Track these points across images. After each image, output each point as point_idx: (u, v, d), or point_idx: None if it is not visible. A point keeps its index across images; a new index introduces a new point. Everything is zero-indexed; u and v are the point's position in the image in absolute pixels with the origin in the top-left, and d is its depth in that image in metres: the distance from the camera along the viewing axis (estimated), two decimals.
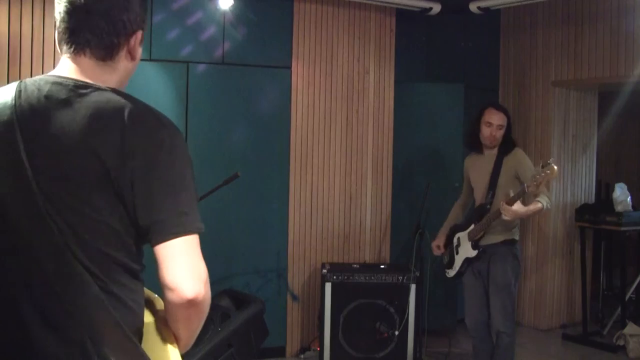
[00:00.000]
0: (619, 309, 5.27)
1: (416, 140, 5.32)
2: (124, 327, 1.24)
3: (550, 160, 3.43)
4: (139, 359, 1.25)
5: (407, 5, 5.05)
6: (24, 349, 1.24)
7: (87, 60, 1.34)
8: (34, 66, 3.99)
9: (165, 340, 1.35)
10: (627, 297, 5.32)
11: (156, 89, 4.40)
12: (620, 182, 5.38)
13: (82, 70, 1.33)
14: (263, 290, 4.71)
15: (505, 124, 3.90)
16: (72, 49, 1.33)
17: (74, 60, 1.34)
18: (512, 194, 3.62)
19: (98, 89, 1.30)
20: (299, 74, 4.83)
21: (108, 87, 1.32)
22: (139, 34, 1.40)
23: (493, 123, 3.88)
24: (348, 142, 5.01)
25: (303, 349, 4.86)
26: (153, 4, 4.36)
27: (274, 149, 4.76)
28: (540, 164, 3.46)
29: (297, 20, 4.82)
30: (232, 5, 4.49)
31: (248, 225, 4.67)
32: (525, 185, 3.55)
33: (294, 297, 4.87)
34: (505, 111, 3.95)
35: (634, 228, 5.17)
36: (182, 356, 1.37)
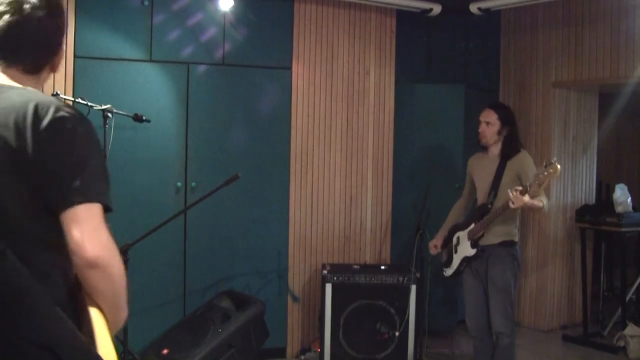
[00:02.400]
0: (620, 310, 5.26)
1: (416, 141, 5.32)
2: (44, 295, 1.33)
3: (554, 160, 3.42)
4: (59, 323, 1.33)
5: (408, 6, 5.05)
6: None
7: (16, 72, 1.52)
8: None
9: (95, 316, 1.45)
10: (627, 298, 5.31)
11: (157, 89, 4.40)
12: (620, 183, 5.38)
13: (10, 78, 1.50)
14: (263, 291, 4.71)
15: (493, 121, 3.90)
16: (4, 63, 1.51)
17: (4, 71, 1.51)
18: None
19: (11, 87, 1.46)
20: (299, 74, 4.83)
21: (20, 86, 1.48)
22: (62, 52, 1.61)
23: (481, 120, 3.96)
24: (348, 143, 5.01)
25: (303, 350, 4.86)
26: (153, 5, 4.36)
27: (274, 150, 4.76)
28: (544, 164, 3.44)
29: (297, 21, 4.82)
30: (233, 6, 4.49)
31: (248, 226, 4.67)
32: (528, 183, 3.53)
33: (295, 298, 4.87)
34: (497, 109, 3.96)
35: (635, 229, 5.17)
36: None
